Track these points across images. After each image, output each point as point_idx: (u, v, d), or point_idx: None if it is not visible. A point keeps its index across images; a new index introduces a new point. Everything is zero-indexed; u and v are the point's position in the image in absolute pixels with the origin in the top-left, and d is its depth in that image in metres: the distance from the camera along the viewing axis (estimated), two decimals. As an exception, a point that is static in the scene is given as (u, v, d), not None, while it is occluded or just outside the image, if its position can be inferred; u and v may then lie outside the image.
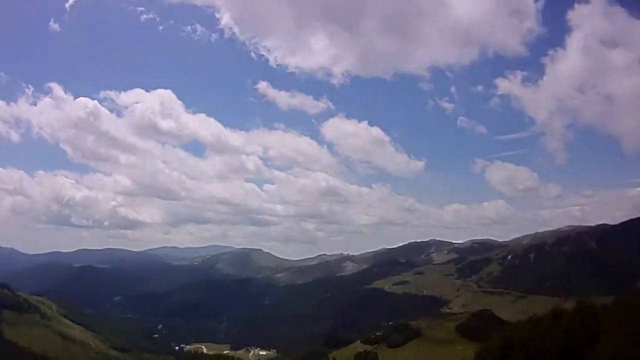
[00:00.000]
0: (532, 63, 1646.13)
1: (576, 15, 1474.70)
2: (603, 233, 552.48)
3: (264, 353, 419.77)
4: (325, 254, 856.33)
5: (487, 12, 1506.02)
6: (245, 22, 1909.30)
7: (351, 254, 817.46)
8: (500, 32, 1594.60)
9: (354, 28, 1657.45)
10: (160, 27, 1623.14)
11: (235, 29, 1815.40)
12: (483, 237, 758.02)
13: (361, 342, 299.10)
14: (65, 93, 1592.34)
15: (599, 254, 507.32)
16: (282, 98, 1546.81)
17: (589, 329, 35.99)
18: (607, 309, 39.68)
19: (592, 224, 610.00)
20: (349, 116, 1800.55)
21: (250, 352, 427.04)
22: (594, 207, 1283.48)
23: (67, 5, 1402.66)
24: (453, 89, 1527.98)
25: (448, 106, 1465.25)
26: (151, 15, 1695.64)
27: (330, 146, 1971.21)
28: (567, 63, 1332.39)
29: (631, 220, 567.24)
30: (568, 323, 38.07)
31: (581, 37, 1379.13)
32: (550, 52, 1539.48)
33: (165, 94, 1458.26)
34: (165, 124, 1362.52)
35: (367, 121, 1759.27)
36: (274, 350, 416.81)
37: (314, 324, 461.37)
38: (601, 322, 35.83)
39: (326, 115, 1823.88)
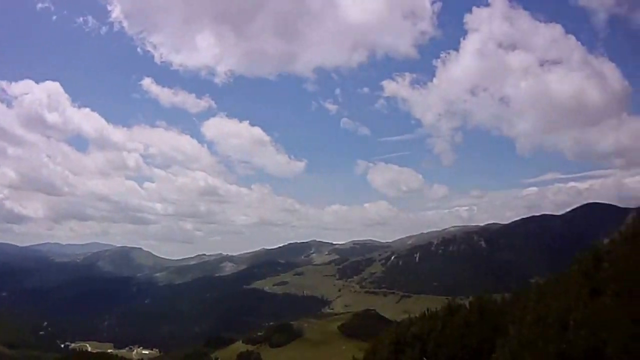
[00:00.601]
0: (423, 65, 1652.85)
1: (474, 18, 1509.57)
2: (493, 233, 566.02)
3: (147, 352, 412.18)
4: (204, 254, 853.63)
5: (379, 14, 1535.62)
6: (135, 17, 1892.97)
7: (230, 254, 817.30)
8: (392, 35, 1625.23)
9: (242, 29, 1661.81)
10: (54, 17, 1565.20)
11: (125, 23, 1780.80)
12: (365, 238, 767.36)
13: (243, 342, 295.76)
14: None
15: (488, 254, 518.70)
16: (165, 95, 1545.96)
17: (491, 322, 33.84)
18: (506, 303, 37.75)
19: (482, 224, 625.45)
20: (230, 116, 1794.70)
21: (133, 351, 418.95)
22: (483, 208, 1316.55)
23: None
24: (338, 90, 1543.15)
25: (332, 107, 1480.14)
26: (47, 5, 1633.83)
27: (210, 145, 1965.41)
28: (460, 65, 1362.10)
29: (522, 220, 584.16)
30: (467, 317, 35.85)
31: (477, 40, 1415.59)
32: (443, 54, 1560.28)
33: (53, 87, 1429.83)
34: (51, 117, 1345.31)
35: (248, 121, 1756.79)
36: (157, 350, 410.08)
37: (194, 323, 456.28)
38: (503, 314, 33.77)
39: (208, 115, 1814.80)
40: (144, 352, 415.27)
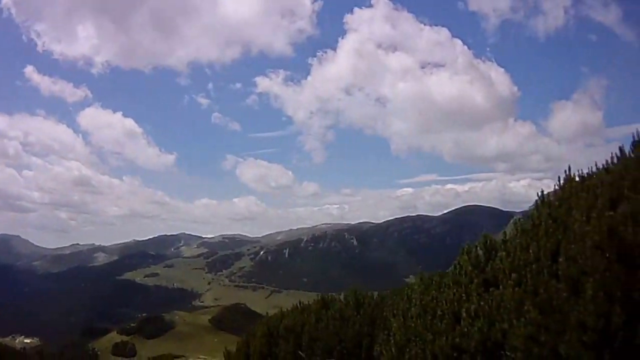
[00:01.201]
0: (298, 63, 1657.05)
1: (354, 18, 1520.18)
2: (365, 231, 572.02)
3: (29, 341, 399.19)
4: (78, 244, 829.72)
5: (256, 12, 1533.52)
6: (22, 4, 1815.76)
7: (103, 244, 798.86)
8: (268, 32, 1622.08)
9: (121, 20, 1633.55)
10: None
11: (13, 10, 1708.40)
12: (234, 233, 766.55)
13: (117, 332, 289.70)
14: None
15: (360, 252, 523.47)
16: (45, 84, 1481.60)
17: (368, 315, 32.15)
18: (384, 297, 36.20)
19: (353, 222, 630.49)
20: (105, 106, 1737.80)
21: (15, 339, 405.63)
22: (355, 207, 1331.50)
23: None
24: (210, 85, 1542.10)
25: (204, 102, 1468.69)
26: None
27: (85, 135, 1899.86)
28: (336, 65, 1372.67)
29: (396, 219, 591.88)
30: (342, 310, 34.02)
31: (356, 40, 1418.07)
32: (319, 53, 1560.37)
33: None
34: None
35: (121, 112, 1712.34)
36: (37, 339, 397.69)
37: (70, 313, 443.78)
38: (381, 308, 32.17)
39: (84, 104, 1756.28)
40: (25, 340, 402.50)
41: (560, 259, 15.21)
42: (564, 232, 16.33)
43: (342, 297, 37.91)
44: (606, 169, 18.53)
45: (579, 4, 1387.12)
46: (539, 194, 19.76)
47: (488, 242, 21.31)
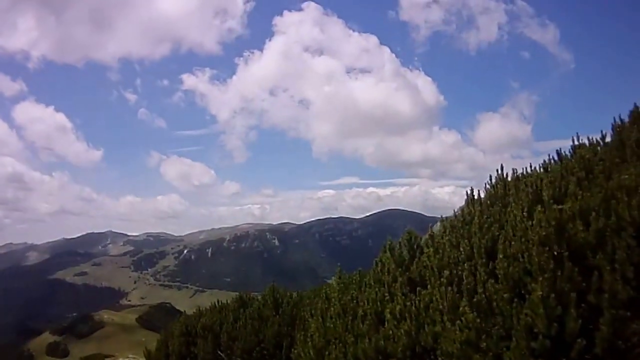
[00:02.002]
0: (225, 62, 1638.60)
1: (283, 21, 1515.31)
2: (286, 232, 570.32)
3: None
4: (12, 243, 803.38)
5: (188, 9, 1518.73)
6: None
7: (35, 243, 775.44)
8: (198, 30, 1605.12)
9: (60, 14, 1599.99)
10: None
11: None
12: (158, 231, 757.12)
13: (50, 333, 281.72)
14: None
15: (282, 252, 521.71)
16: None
17: (288, 315, 29.87)
18: (303, 297, 34.00)
19: (274, 223, 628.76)
20: (39, 101, 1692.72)
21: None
22: (276, 207, 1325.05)
23: None
24: (139, 81, 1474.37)
25: (131, 97, 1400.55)
26: None
27: (19, 130, 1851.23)
28: (262, 65, 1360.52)
29: (318, 221, 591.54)
30: (260, 310, 31.66)
31: (283, 42, 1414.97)
32: (246, 53, 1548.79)
33: None
34: None
35: (53, 107, 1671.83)
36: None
37: (4, 314, 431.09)
38: (300, 308, 29.91)
39: (19, 98, 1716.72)
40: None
41: (499, 257, 13.01)
42: (500, 229, 14.29)
43: (260, 296, 35.82)
44: (545, 168, 16.97)
45: (515, 21, 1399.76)
46: (468, 192, 17.86)
47: (412, 239, 19.17)
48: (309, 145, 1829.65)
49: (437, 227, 19.23)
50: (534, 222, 12.77)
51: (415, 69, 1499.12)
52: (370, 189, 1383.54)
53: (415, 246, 18.78)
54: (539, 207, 12.97)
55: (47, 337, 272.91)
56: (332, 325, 18.70)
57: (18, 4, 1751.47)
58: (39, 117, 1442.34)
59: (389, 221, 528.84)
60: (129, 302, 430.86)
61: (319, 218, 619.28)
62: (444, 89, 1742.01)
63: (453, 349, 13.08)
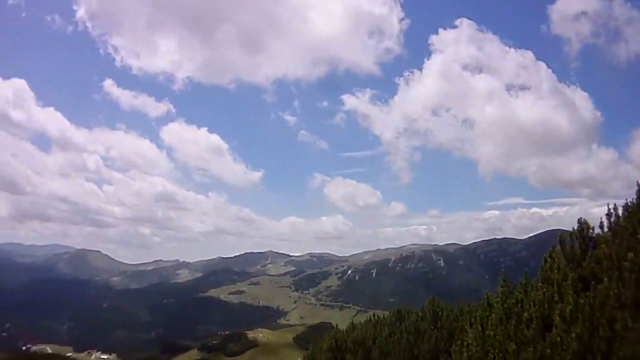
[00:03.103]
0: (385, 83, 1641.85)
1: (439, 40, 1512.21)
2: (452, 253, 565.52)
3: (105, 357, 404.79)
4: (161, 260, 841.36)
5: (342, 31, 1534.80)
6: (98, 18, 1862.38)
7: (187, 261, 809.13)
8: (355, 51, 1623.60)
9: (206, 36, 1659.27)
10: (24, 14, 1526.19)
11: (89, 24, 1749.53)
12: (321, 251, 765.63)
13: (198, 349, 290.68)
14: None
15: (446, 273, 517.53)
16: (125, 98, 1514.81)
17: (446, 328, 28.49)
18: (463, 310, 32.52)
19: (441, 244, 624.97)
20: (189, 122, 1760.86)
21: (92, 355, 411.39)
22: (442, 228, 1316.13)
23: None
24: (296, 102, 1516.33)
25: (290, 119, 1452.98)
26: (17, 1, 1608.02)
27: (169, 151, 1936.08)
28: (423, 85, 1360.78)
29: (483, 242, 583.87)
30: (417, 323, 30.45)
31: (441, 61, 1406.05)
32: (406, 73, 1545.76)
33: (19, 84, 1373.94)
34: (16, 115, 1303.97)
35: (206, 128, 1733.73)
36: (114, 355, 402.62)
37: (150, 329, 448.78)
38: (460, 320, 28.49)
39: (166, 119, 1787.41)
40: (102, 356, 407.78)
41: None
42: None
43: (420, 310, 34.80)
44: None
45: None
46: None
47: (584, 230, 17.56)
48: (474, 165, 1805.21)
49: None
50: None
51: (572, 84, 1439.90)
52: (534, 209, 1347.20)
53: (587, 239, 17.25)
54: None
55: (193, 354, 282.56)
56: (491, 333, 17.49)
57: (157, 28, 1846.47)
58: (192, 138, 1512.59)
59: (551, 242, 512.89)
60: (287, 322, 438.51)
61: (484, 239, 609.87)
62: (599, 104, 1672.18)
63: (636, 351, 11.56)
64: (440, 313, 31.60)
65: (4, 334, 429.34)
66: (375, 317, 38.38)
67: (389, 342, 31.72)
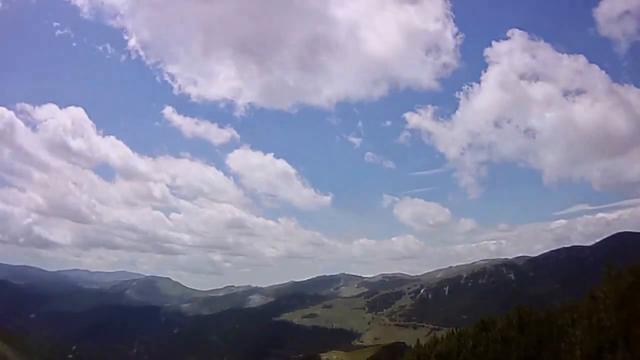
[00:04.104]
0: (445, 98, 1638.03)
1: (494, 52, 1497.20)
2: (522, 265, 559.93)
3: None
4: (233, 286, 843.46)
5: (399, 49, 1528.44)
6: (151, 47, 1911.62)
7: (259, 286, 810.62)
8: (413, 68, 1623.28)
9: (263, 60, 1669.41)
10: (74, 44, 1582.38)
11: (142, 53, 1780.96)
12: (394, 272, 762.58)
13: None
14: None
15: (517, 286, 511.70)
16: (187, 125, 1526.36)
17: (534, 335, 27.90)
18: (551, 314, 31.83)
19: (510, 257, 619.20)
20: (254, 148, 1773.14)
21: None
22: (511, 241, 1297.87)
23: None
24: (360, 123, 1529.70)
25: (355, 141, 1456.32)
26: (66, 31, 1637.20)
27: (236, 177, 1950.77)
28: (483, 98, 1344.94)
29: (552, 252, 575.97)
30: (504, 332, 29.85)
31: (498, 72, 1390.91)
32: (465, 87, 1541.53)
33: (77, 112, 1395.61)
34: (76, 144, 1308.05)
35: (272, 154, 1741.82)
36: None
37: (222, 354, 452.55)
38: (550, 325, 27.88)
39: (231, 146, 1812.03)
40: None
41: None
42: None
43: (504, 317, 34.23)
44: None
45: None
46: None
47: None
48: (539, 174, 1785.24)
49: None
50: None
51: (625, 83, 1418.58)
52: (600, 215, 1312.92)
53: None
54: None
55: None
56: (608, 323, 17.02)
57: (211, 52, 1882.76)
58: (259, 165, 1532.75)
59: (619, 246, 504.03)
60: (361, 343, 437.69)
61: (552, 249, 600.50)
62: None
63: None
64: (526, 320, 30.98)
65: (70, 356, 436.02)
66: (458, 330, 37.77)
67: (474, 354, 31.10)
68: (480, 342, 31.06)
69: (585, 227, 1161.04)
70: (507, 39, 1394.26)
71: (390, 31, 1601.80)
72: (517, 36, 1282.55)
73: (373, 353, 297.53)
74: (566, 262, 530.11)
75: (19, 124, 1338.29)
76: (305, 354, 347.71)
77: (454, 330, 37.33)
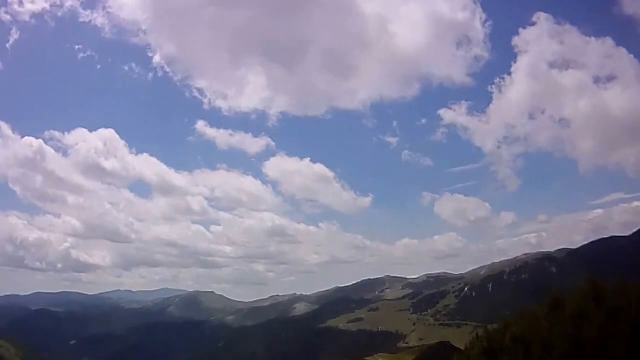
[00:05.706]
0: (478, 92, 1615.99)
1: (522, 40, 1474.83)
2: (563, 258, 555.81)
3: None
4: (277, 295, 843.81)
5: (428, 44, 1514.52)
6: (176, 63, 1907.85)
7: (304, 293, 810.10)
8: (445, 64, 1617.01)
9: (293, 66, 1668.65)
10: (99, 66, 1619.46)
11: (168, 69, 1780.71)
12: (438, 271, 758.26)
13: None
14: (13, 132, 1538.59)
15: (559, 280, 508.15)
16: (221, 137, 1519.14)
17: (610, 306, 28.19)
18: (627, 287, 32.19)
19: (551, 250, 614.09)
20: (290, 154, 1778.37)
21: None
22: (551, 233, 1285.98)
23: (8, 45, 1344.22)
24: (395, 123, 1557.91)
25: (392, 141, 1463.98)
26: (89, 54, 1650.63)
27: (274, 185, 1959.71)
28: (515, 90, 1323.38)
29: (592, 243, 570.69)
30: (579, 306, 30.10)
31: (527, 63, 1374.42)
32: (497, 80, 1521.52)
33: (108, 134, 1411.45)
34: (109, 164, 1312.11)
35: (309, 159, 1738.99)
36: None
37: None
38: (626, 297, 28.14)
39: (267, 154, 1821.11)
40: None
41: None
42: None
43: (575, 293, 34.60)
44: None
45: None
46: None
47: None
48: (574, 164, 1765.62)
49: None
50: None
51: None
52: (635, 204, 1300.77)
53: None
54: None
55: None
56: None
57: (239, 62, 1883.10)
58: (295, 170, 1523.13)
59: None
60: (406, 344, 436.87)
61: (591, 240, 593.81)
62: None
63: None
64: (601, 293, 31.43)
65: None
66: (525, 311, 38.23)
67: (551, 335, 31.39)
68: (556, 321, 31.10)
69: (622, 216, 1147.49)
70: (533, 24, 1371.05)
71: (420, 23, 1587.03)
72: (543, 20, 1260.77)
73: (418, 354, 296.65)
74: (605, 253, 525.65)
75: (49, 150, 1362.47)
76: (350, 358, 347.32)
77: (522, 312, 37.57)
